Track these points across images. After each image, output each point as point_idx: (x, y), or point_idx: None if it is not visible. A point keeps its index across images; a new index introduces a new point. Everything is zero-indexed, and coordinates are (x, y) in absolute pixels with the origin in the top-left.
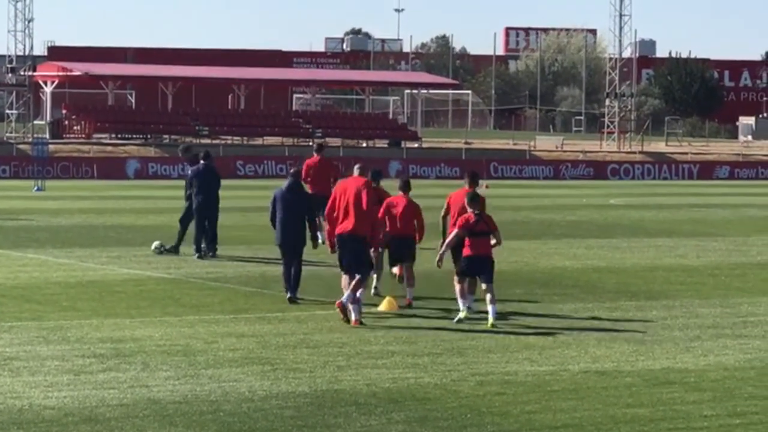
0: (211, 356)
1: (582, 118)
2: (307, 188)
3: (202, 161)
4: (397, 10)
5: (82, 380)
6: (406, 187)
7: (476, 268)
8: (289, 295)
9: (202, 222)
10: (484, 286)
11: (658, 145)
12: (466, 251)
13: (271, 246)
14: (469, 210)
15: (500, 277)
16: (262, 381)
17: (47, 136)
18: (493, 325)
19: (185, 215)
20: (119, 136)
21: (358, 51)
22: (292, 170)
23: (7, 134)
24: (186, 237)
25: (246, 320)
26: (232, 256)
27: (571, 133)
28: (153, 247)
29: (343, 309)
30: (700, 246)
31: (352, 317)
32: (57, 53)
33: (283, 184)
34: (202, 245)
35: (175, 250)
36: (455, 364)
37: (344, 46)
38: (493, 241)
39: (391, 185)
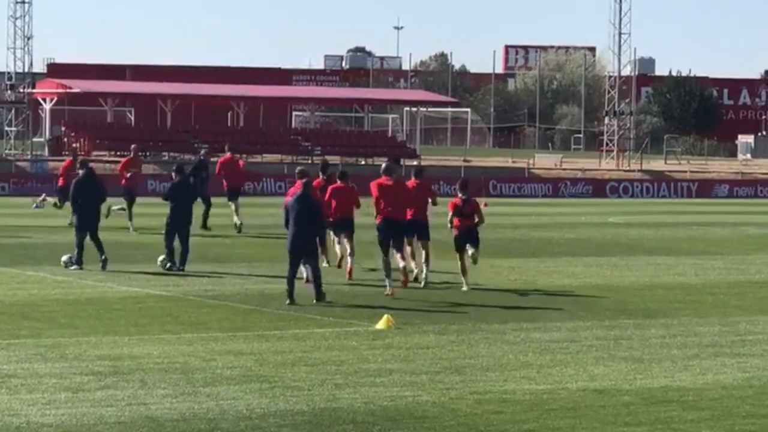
0: (209, 374)
1: (581, 136)
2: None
3: (175, 175)
4: (397, 28)
5: (80, 398)
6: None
7: (465, 239)
8: (288, 301)
9: (173, 235)
10: (471, 251)
11: (657, 164)
12: (455, 231)
13: (270, 263)
14: (459, 195)
15: (499, 295)
16: (260, 399)
17: (46, 153)
18: (468, 289)
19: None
20: (118, 153)
21: (358, 69)
22: (304, 181)
23: (6, 151)
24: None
25: (244, 338)
26: (231, 274)
27: (570, 151)
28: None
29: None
30: (698, 264)
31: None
32: (56, 70)
33: (298, 191)
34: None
35: (171, 264)
36: (453, 382)
37: (343, 64)
38: (476, 220)
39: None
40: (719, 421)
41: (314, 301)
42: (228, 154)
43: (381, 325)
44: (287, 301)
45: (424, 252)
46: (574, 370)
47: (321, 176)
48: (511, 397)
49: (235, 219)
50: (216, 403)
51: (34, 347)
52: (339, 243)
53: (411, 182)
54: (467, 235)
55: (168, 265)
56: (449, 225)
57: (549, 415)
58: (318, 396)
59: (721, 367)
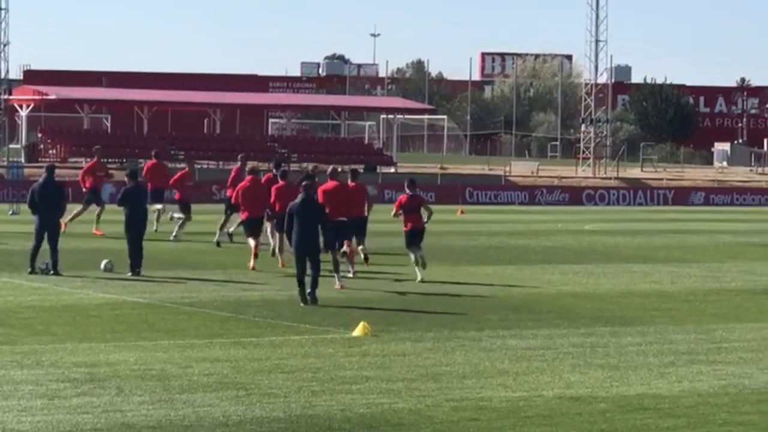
0: (185, 381)
1: (557, 143)
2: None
3: (128, 180)
4: (374, 35)
5: (56, 405)
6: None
7: (413, 236)
8: (308, 292)
9: (133, 239)
10: (414, 255)
11: (634, 171)
12: (405, 227)
13: (246, 270)
14: (407, 191)
15: (475, 302)
16: (236, 406)
17: (22, 159)
18: (422, 280)
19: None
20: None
21: (334, 76)
22: (305, 184)
23: None
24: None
25: (221, 345)
26: (208, 281)
27: (547, 158)
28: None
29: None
30: (674, 272)
31: None
32: (33, 77)
33: (298, 197)
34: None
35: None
36: (429, 389)
37: (320, 71)
38: (424, 217)
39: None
40: (695, 429)
41: (308, 301)
42: (153, 160)
43: (357, 332)
44: (301, 304)
45: (360, 247)
46: (551, 377)
47: (273, 172)
48: (487, 404)
49: (156, 225)
50: (192, 410)
51: (10, 354)
52: (272, 236)
53: (350, 184)
54: (414, 232)
55: (129, 273)
56: (393, 216)
57: (525, 422)
58: (294, 403)
59: (697, 375)
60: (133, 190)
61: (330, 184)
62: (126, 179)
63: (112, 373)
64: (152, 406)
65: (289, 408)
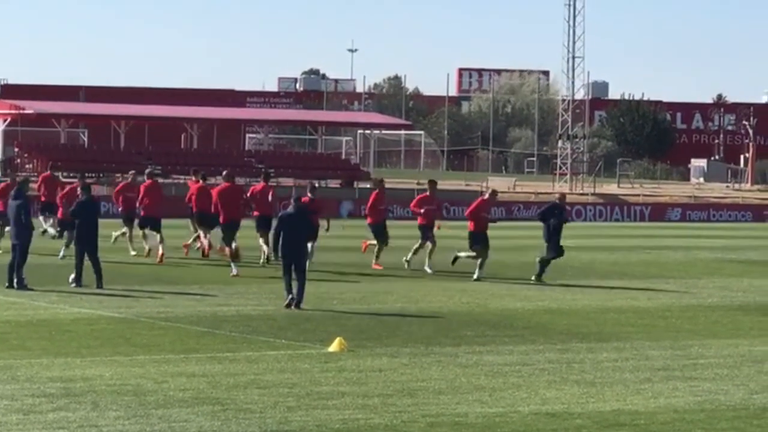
0: (161, 396)
1: (534, 159)
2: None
3: (82, 194)
4: (351, 51)
5: (31, 420)
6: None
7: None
8: (289, 300)
9: (82, 253)
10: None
11: (610, 187)
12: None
13: (223, 286)
14: (309, 195)
15: (452, 318)
16: (212, 421)
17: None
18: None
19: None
20: (72, 174)
21: (311, 91)
22: (294, 197)
23: None
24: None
25: (197, 360)
26: (184, 296)
27: (524, 174)
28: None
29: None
30: (651, 288)
31: None
32: (9, 91)
33: (289, 208)
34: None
35: (78, 284)
36: (405, 405)
37: (297, 86)
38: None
39: None
40: None
41: (293, 308)
42: (48, 173)
43: (333, 347)
44: (286, 300)
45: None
46: (527, 393)
47: (194, 178)
48: (463, 420)
49: (50, 230)
50: (168, 425)
51: None
52: (145, 237)
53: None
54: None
55: (73, 284)
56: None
57: None
58: (270, 418)
59: (673, 391)
60: (85, 203)
61: (223, 185)
62: (79, 192)
63: (87, 388)
64: (128, 421)
65: (264, 423)
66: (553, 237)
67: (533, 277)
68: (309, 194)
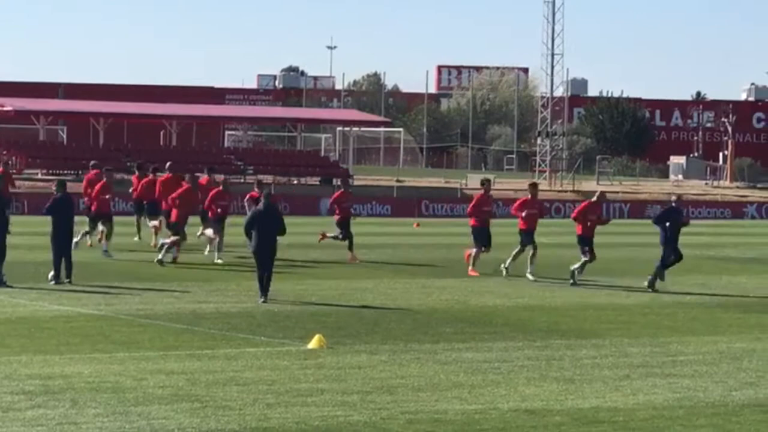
0: (140, 393)
1: (514, 156)
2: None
3: (57, 190)
4: (330, 48)
5: (10, 417)
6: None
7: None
8: (262, 299)
9: (60, 250)
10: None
11: (589, 184)
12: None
13: (202, 283)
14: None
15: (431, 315)
16: (191, 418)
17: None
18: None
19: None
20: (50, 171)
21: (291, 88)
22: (265, 192)
23: None
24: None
25: (176, 357)
26: (163, 293)
27: (503, 171)
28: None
29: None
30: (630, 285)
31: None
32: None
33: (260, 204)
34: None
35: (57, 280)
36: (385, 402)
37: (276, 83)
38: None
39: None
40: None
41: (260, 300)
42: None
43: (313, 344)
44: (260, 299)
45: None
46: (506, 390)
47: (137, 173)
48: (442, 417)
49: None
50: (147, 422)
51: None
52: (96, 228)
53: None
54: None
55: (52, 282)
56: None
57: None
58: (249, 415)
59: (652, 388)
60: (60, 200)
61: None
62: (54, 189)
63: (66, 386)
64: (107, 418)
65: (244, 420)
66: (670, 241)
67: (646, 283)
68: (256, 189)
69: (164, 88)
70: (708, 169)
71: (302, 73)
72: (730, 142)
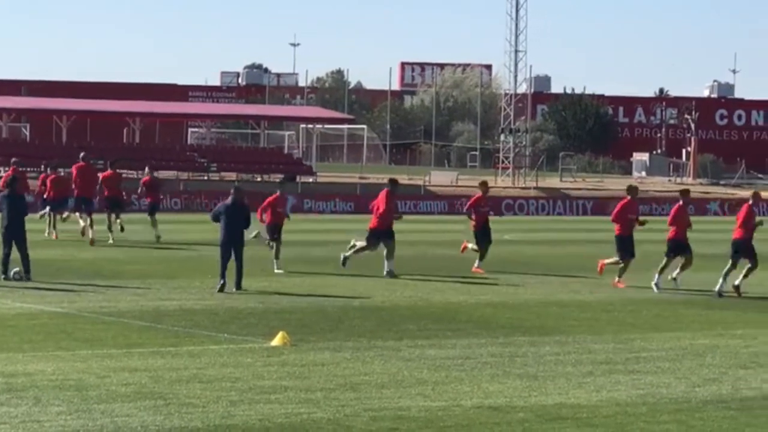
0: (103, 391)
1: (477, 153)
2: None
3: (5, 188)
4: (293, 45)
5: None
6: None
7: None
8: (221, 285)
9: (9, 244)
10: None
11: (553, 181)
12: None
13: (165, 280)
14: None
15: (394, 312)
16: (154, 416)
17: None
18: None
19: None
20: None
21: (254, 85)
22: (235, 186)
23: None
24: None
25: (139, 355)
26: (126, 290)
27: (467, 168)
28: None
29: None
30: (593, 282)
31: None
32: None
33: (228, 198)
34: (15, 269)
35: (6, 276)
36: (348, 399)
37: (240, 80)
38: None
39: None
40: None
41: (234, 289)
42: (110, 171)
43: (276, 341)
44: (220, 283)
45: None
46: (469, 387)
47: (110, 168)
48: (406, 414)
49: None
50: (110, 420)
51: None
52: (81, 217)
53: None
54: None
55: (3, 276)
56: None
57: (444, 431)
58: (213, 413)
59: (615, 384)
60: (8, 197)
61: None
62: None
63: (29, 384)
64: (70, 416)
65: (207, 418)
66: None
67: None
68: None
69: (127, 86)
70: (671, 165)
71: (266, 70)
72: (693, 139)
